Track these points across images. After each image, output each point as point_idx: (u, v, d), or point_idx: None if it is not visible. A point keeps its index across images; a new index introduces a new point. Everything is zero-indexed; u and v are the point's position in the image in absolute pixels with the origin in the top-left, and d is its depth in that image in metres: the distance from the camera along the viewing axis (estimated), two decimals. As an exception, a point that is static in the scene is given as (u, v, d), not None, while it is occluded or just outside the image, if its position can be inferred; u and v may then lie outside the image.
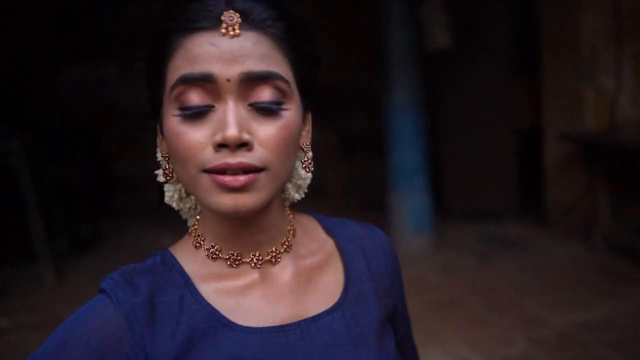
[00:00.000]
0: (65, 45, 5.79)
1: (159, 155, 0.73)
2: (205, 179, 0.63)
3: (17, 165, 3.92)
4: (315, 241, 0.77)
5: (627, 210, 3.91)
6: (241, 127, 0.61)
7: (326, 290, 0.74)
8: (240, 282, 0.70)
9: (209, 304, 0.68)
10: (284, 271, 0.72)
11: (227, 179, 0.62)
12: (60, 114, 5.68)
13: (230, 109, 0.62)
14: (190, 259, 0.71)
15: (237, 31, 0.62)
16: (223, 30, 0.62)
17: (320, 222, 0.80)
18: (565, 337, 2.76)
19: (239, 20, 0.62)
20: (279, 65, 0.64)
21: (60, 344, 0.69)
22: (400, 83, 3.92)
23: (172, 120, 0.64)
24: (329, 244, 0.78)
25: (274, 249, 0.72)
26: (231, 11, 0.62)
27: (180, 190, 0.74)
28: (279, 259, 0.72)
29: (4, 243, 4.04)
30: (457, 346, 2.71)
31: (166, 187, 0.75)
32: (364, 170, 5.96)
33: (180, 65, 0.63)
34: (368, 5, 4.36)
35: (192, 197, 0.74)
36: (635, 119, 3.90)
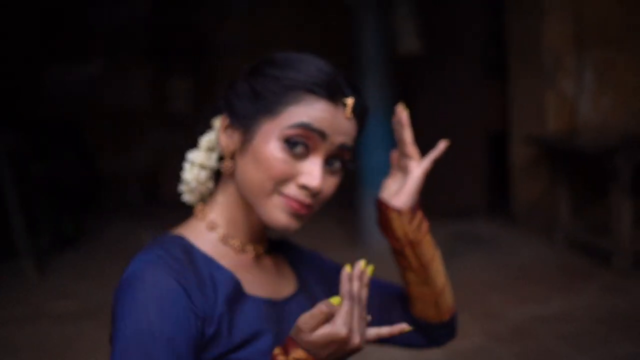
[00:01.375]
0: (52, 43, 5.87)
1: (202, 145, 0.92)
2: (279, 199, 0.84)
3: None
4: (272, 245, 1.01)
5: (586, 209, 4.10)
6: (322, 181, 0.84)
7: (289, 279, 0.97)
8: (242, 263, 0.90)
9: (233, 276, 0.86)
10: (266, 261, 0.95)
11: (296, 206, 0.83)
12: (46, 111, 5.77)
13: (319, 165, 0.83)
14: (204, 240, 0.89)
15: (350, 117, 0.86)
16: (348, 115, 0.85)
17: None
18: (520, 331, 2.93)
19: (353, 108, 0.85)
20: (353, 142, 0.88)
21: (136, 323, 0.77)
22: (370, 85, 4.08)
23: (276, 145, 0.82)
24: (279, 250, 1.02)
25: (262, 245, 0.94)
26: (352, 99, 0.85)
27: (199, 174, 0.92)
28: (263, 253, 0.94)
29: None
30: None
31: (190, 168, 0.92)
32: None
33: (303, 114, 0.82)
34: (343, 8, 4.49)
35: (208, 186, 0.93)
36: (595, 123, 4.08)
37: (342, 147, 0.85)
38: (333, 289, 1.01)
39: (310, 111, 0.83)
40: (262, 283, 0.91)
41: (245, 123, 0.85)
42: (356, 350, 0.78)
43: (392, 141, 0.98)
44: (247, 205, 0.88)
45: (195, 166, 0.91)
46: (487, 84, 4.70)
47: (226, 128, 0.88)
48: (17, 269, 3.99)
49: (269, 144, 0.83)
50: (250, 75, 0.87)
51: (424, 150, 1.04)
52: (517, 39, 4.31)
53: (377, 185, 4.03)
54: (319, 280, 1.02)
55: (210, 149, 0.91)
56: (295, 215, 0.84)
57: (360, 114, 0.88)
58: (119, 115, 6.06)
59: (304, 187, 0.83)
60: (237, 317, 0.84)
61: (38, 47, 5.85)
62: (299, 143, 0.82)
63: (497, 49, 4.63)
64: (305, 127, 0.82)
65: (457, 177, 4.69)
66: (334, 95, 0.84)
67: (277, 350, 0.78)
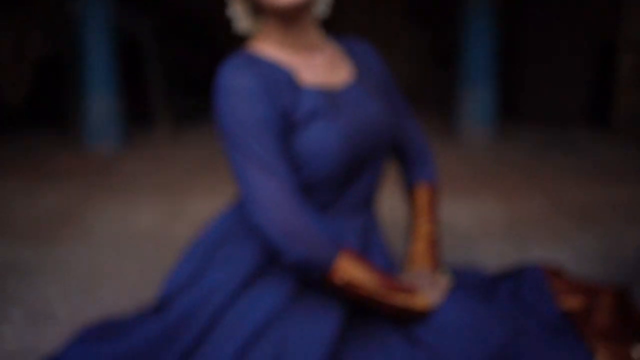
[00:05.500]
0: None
1: None
2: None
3: (145, 40, 4.68)
4: (333, 45, 1.22)
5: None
6: None
7: (346, 71, 1.17)
8: (297, 62, 1.10)
9: (291, 73, 1.07)
10: (320, 58, 1.14)
11: None
12: (185, 5, 6.39)
13: None
14: (264, 50, 1.11)
15: None
16: None
17: (335, 37, 1.27)
18: (583, 209, 3.09)
19: None
20: None
21: (233, 118, 1.01)
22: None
23: None
24: (342, 49, 1.24)
25: (312, 45, 1.13)
26: None
27: (246, 16, 1.15)
28: (315, 52, 1.13)
29: (130, 105, 4.86)
30: (489, 199, 3.17)
31: (239, 17, 1.15)
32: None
33: None
34: None
35: (252, 19, 1.15)
36: None
37: None
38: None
39: None
40: (318, 75, 1.10)
41: None
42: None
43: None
44: (283, 21, 1.06)
45: (235, 3, 1.13)
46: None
47: None
48: (154, 130, 4.69)
49: None
50: None
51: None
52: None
53: (476, 80, 4.49)
54: (374, 81, 1.20)
55: None
56: None
57: None
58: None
59: None
60: (297, 104, 1.04)
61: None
62: None
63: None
64: None
65: (559, 81, 4.75)
66: None
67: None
